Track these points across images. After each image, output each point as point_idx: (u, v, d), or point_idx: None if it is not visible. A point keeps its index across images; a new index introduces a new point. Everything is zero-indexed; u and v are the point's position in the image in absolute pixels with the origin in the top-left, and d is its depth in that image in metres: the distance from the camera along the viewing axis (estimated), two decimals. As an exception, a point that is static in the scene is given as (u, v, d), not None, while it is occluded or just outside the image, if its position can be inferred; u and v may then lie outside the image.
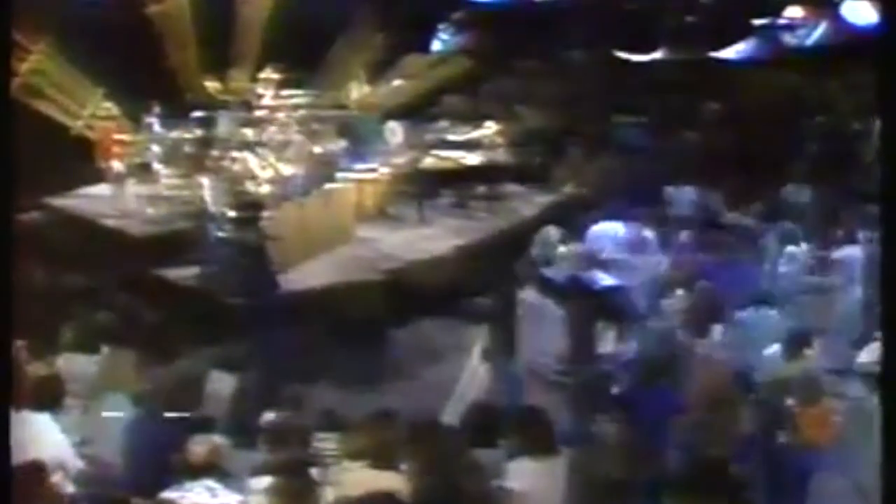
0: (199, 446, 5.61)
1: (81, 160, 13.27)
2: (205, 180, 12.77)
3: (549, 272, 10.26)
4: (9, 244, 4.93)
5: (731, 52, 18.96)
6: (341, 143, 14.42)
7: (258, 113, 14.12)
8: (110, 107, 13.67)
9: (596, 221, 11.69)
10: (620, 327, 9.41)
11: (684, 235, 11.36)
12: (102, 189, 13.44)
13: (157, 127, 13.68)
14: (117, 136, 13.45)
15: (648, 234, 11.26)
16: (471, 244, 12.98)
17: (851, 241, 10.82)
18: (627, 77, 18.69)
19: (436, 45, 19.10)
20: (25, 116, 11.18)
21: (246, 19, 14.95)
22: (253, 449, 6.02)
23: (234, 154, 13.34)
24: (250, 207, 11.75)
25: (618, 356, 8.92)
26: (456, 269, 12.13)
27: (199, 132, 13.76)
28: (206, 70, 14.39)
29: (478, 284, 10.92)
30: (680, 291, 9.77)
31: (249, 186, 12.72)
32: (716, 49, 18.90)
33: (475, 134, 16.13)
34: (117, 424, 6.47)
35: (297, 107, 14.41)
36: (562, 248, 10.47)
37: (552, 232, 10.67)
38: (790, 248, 10.81)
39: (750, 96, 17.53)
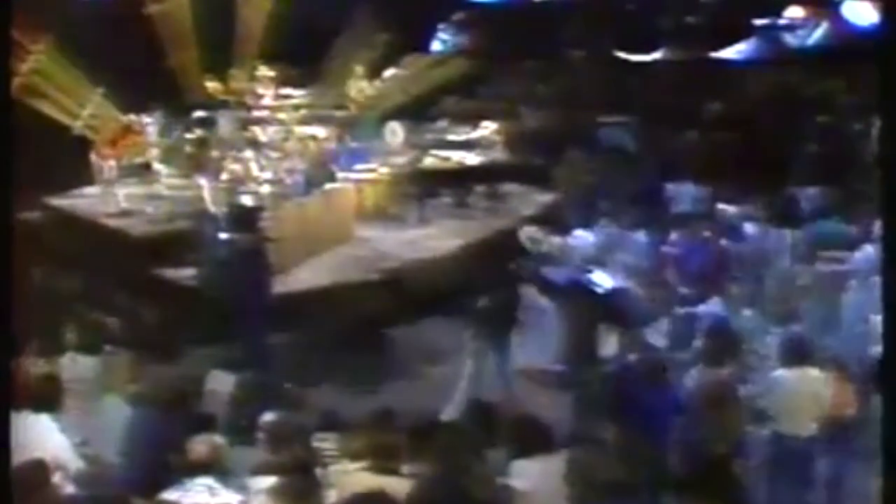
0: (199, 445, 5.61)
1: (81, 160, 13.27)
2: (204, 180, 12.78)
3: (549, 273, 10.28)
4: (9, 244, 4.93)
5: (731, 52, 18.97)
6: (341, 143, 14.44)
7: (258, 113, 14.13)
8: (110, 107, 13.67)
9: (594, 221, 11.72)
10: (622, 329, 9.40)
11: (684, 234, 11.32)
12: (96, 189, 13.44)
13: (157, 127, 13.68)
14: (117, 136, 13.45)
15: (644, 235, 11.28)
16: (471, 244, 12.98)
17: (852, 240, 10.83)
18: (627, 77, 18.70)
19: (436, 45, 19.10)
20: (25, 116, 11.17)
21: (246, 19, 14.95)
22: (253, 448, 6.01)
23: (235, 154, 13.36)
24: (250, 207, 11.76)
25: (619, 357, 8.91)
26: (456, 269, 12.13)
27: (199, 132, 13.77)
28: (206, 70, 14.38)
29: (478, 284, 10.91)
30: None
31: (250, 186, 12.74)
32: (716, 49, 18.90)
33: (475, 134, 16.16)
34: (117, 424, 6.46)
35: (297, 107, 14.43)
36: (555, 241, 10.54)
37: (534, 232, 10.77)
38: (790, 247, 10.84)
39: (750, 96, 17.54)
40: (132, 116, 13.57)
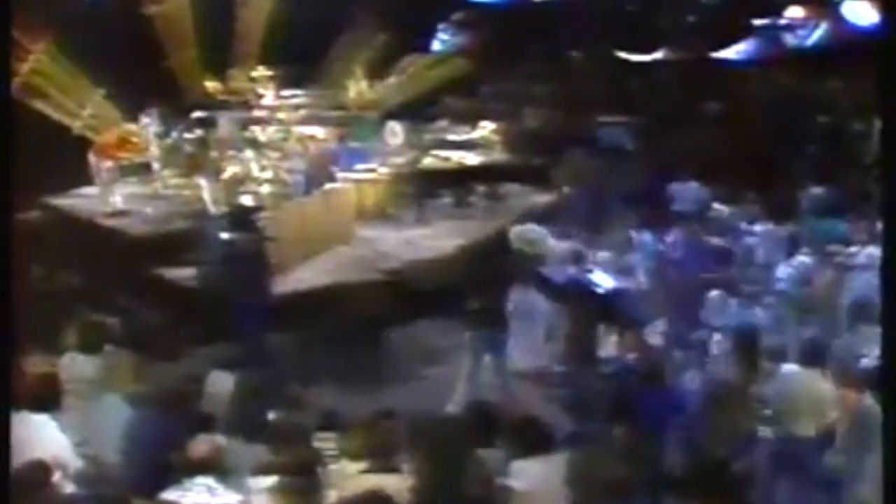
0: (200, 445, 5.60)
1: (81, 160, 13.27)
2: (204, 180, 12.77)
3: (548, 273, 10.27)
4: (9, 244, 4.93)
5: (731, 52, 18.97)
6: (341, 143, 14.45)
7: (258, 113, 14.13)
8: (110, 107, 13.67)
9: (594, 221, 11.74)
10: (622, 330, 9.39)
11: (683, 233, 11.32)
12: (96, 189, 13.44)
13: (156, 127, 13.67)
14: (117, 136, 13.45)
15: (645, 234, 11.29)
16: (471, 244, 12.98)
17: (852, 240, 10.84)
18: (627, 77, 18.70)
19: (436, 45, 19.11)
20: (25, 116, 11.17)
21: (246, 19, 14.96)
22: (253, 448, 6.01)
23: (235, 154, 13.36)
24: (250, 207, 11.76)
25: (619, 358, 8.91)
26: (456, 269, 12.12)
27: (199, 132, 13.77)
28: (206, 70, 14.39)
29: (477, 284, 10.92)
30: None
31: (249, 186, 12.73)
32: (716, 49, 18.91)
33: (475, 134, 16.17)
34: (117, 424, 6.46)
35: (297, 107, 14.43)
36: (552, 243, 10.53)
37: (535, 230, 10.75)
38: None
39: (750, 96, 17.54)
40: (131, 126, 13.57)
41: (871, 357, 7.87)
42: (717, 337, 8.81)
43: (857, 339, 8.75)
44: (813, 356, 7.68)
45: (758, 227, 11.55)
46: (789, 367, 7.69)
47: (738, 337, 8.41)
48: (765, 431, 7.58)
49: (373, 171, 14.24)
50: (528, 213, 13.80)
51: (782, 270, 10.33)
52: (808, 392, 7.49)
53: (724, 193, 12.78)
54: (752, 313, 9.52)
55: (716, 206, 12.43)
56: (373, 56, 15.77)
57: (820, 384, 7.51)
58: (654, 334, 9.60)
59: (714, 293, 9.63)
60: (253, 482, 5.51)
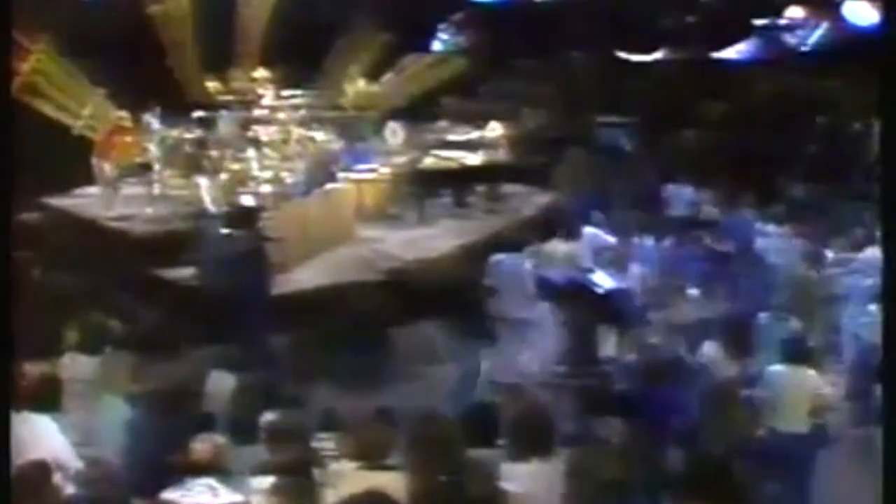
0: (200, 445, 5.61)
1: (81, 160, 13.27)
2: (204, 180, 12.78)
3: (549, 273, 10.28)
4: (9, 244, 4.93)
5: (731, 52, 18.97)
6: (341, 143, 14.45)
7: (258, 113, 14.13)
8: (110, 107, 13.67)
9: (593, 222, 11.73)
10: (621, 330, 9.40)
11: (680, 237, 11.34)
12: (97, 190, 13.44)
13: (156, 127, 13.68)
14: (117, 137, 13.45)
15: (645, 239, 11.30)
16: (471, 244, 12.98)
17: (850, 239, 10.86)
18: (627, 77, 18.70)
19: (436, 45, 19.12)
20: (25, 116, 11.17)
21: (246, 19, 14.97)
22: (253, 448, 6.01)
23: (235, 154, 13.36)
24: (250, 207, 11.76)
25: (619, 358, 8.92)
26: (456, 269, 12.13)
27: (199, 132, 13.77)
28: (206, 70, 14.40)
29: (477, 285, 10.92)
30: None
31: (250, 186, 12.74)
32: (716, 49, 18.91)
33: (475, 134, 16.17)
34: (117, 424, 6.46)
35: (297, 107, 14.44)
36: (561, 247, 10.54)
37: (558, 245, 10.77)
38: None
39: (750, 96, 17.55)
40: (122, 113, 13.53)
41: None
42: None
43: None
44: (797, 351, 7.76)
45: (757, 227, 11.57)
46: (776, 367, 7.75)
47: (727, 328, 8.48)
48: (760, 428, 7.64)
49: (373, 171, 14.24)
50: (529, 213, 13.83)
51: (776, 269, 10.40)
52: (796, 388, 7.56)
53: (723, 194, 12.79)
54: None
55: (718, 207, 12.44)
56: (372, 56, 15.78)
57: (806, 376, 7.58)
58: (654, 334, 9.61)
59: (706, 292, 9.67)
60: (253, 482, 5.51)
